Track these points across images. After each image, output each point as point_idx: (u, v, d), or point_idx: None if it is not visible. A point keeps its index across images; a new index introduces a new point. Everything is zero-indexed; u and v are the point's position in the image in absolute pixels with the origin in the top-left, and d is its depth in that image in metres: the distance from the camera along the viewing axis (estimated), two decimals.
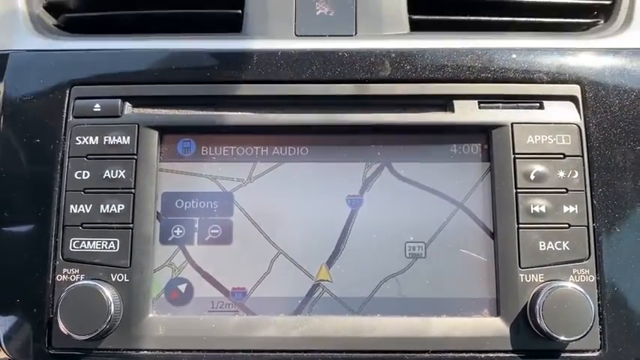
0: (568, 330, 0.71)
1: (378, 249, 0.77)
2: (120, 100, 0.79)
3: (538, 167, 0.77)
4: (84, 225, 0.76)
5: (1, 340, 0.76)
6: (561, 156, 0.77)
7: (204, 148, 0.80)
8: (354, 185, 0.79)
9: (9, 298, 0.76)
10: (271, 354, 0.74)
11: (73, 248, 0.76)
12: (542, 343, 0.73)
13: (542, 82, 0.79)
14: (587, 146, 0.77)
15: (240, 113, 0.80)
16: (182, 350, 0.74)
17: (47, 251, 0.76)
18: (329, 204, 0.78)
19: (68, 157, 0.78)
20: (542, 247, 0.75)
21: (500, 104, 0.79)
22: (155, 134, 0.78)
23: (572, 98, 0.79)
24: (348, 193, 0.78)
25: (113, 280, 0.75)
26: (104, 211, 0.76)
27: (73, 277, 0.75)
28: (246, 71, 0.79)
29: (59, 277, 0.75)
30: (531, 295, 0.74)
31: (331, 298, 0.76)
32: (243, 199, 0.78)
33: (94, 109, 0.79)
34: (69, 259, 0.76)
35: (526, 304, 0.74)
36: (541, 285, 0.74)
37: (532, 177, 0.76)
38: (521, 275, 0.74)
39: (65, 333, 0.72)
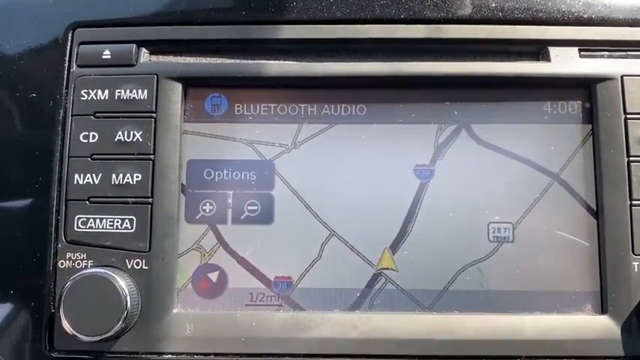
0: None
1: (454, 231, 0.63)
2: (134, 46, 0.65)
3: None
4: (92, 199, 0.62)
5: None
6: None
7: (238, 106, 0.65)
8: (424, 153, 0.64)
9: (1, 289, 0.62)
10: (326, 359, 0.59)
11: (78, 228, 0.62)
12: None
13: None
14: None
15: (281, 62, 0.65)
16: (214, 354, 0.60)
17: (46, 231, 0.62)
18: (393, 176, 0.64)
19: (71, 116, 0.64)
20: None
21: (606, 52, 0.65)
22: (178, 87, 0.64)
23: None
24: (417, 162, 0.64)
25: (129, 267, 0.61)
26: (117, 182, 0.62)
27: (78, 264, 0.62)
28: (289, 9, 0.64)
29: (62, 264, 0.62)
30: None
31: (397, 291, 0.62)
32: (286, 168, 0.64)
33: (103, 57, 0.65)
34: (73, 241, 0.62)
35: None
36: None
37: None
38: (635, 264, 0.60)
39: (70, 332, 0.57)
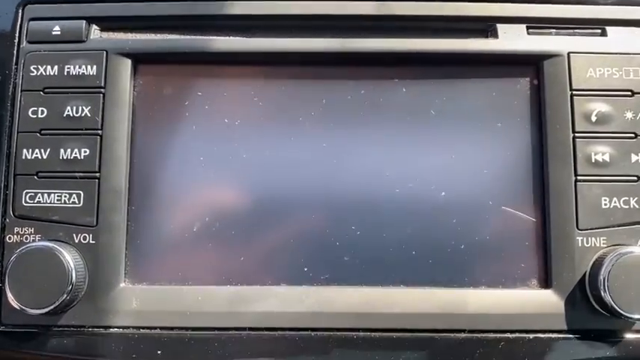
0: (638, 306, 0.57)
1: (400, 204, 0.63)
2: (85, 22, 0.65)
3: (601, 106, 0.62)
4: (40, 174, 0.62)
5: None
6: (629, 93, 0.63)
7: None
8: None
9: None
10: (270, 332, 0.60)
11: (26, 202, 0.62)
12: (604, 321, 0.59)
13: (606, 4, 0.65)
14: None
15: (229, 38, 0.65)
16: (160, 328, 0.60)
17: None
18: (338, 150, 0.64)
19: (21, 91, 0.63)
20: (606, 205, 0.61)
21: (554, 30, 0.65)
22: (128, 63, 0.64)
23: None
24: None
25: (76, 241, 0.61)
26: (65, 157, 0.62)
27: (26, 238, 0.62)
28: None
29: (9, 238, 0.62)
30: (591, 262, 0.60)
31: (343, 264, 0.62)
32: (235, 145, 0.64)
33: (53, 33, 0.65)
34: (22, 216, 0.62)
35: (585, 274, 0.60)
36: (604, 250, 0.60)
37: (593, 118, 0.62)
38: (579, 238, 0.61)
39: (15, 306, 0.58)
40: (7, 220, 0.62)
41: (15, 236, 0.62)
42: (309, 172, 0.63)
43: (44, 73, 0.64)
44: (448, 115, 0.64)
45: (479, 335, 0.60)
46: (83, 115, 0.63)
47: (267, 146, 0.64)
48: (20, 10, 0.65)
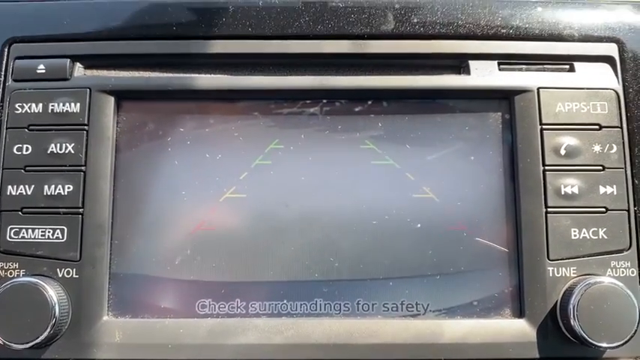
0: (607, 334, 0.59)
1: (376, 235, 0.65)
2: (69, 60, 0.66)
3: (569, 140, 0.64)
4: (24, 210, 0.63)
5: None
6: (597, 127, 0.65)
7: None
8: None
9: None
10: None
11: (11, 238, 0.63)
12: (575, 349, 0.61)
13: (573, 40, 0.67)
14: (627, 116, 0.65)
15: (211, 76, 0.67)
16: None
17: None
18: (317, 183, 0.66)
19: (6, 129, 0.65)
20: (575, 236, 0.63)
21: (524, 66, 0.67)
22: (111, 100, 0.66)
23: (608, 59, 0.67)
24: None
25: (60, 275, 0.62)
26: (49, 193, 0.63)
27: (10, 273, 0.63)
28: (219, 25, 0.66)
29: None
30: (562, 292, 0.62)
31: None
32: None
33: (38, 71, 0.66)
34: (6, 251, 0.63)
35: (556, 303, 0.62)
36: (574, 280, 0.62)
37: (562, 152, 0.64)
38: (550, 269, 0.63)
39: (0, 342, 0.59)
40: None
41: (0, 271, 0.63)
42: (289, 203, 0.65)
43: (29, 111, 0.65)
44: (423, 149, 0.66)
45: None
46: (67, 151, 0.64)
47: (248, 179, 0.65)
48: (6, 49, 0.67)
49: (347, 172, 0.66)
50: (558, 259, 0.63)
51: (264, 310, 0.63)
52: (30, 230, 0.63)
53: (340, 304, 0.64)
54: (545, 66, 0.67)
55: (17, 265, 0.63)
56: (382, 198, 0.65)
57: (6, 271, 0.63)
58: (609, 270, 0.63)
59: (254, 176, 0.65)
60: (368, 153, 0.66)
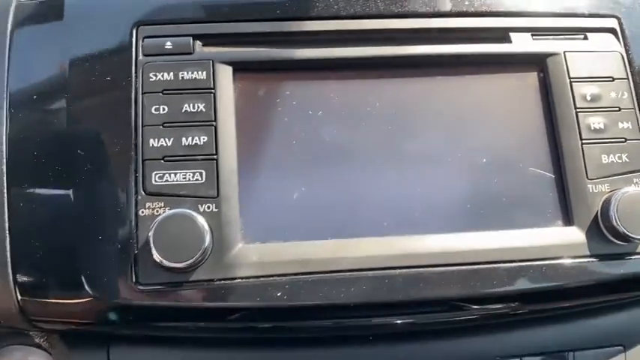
0: None
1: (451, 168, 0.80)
2: (191, 38, 0.80)
3: (592, 89, 0.83)
4: (165, 158, 0.75)
5: (84, 281, 0.72)
6: (611, 79, 0.84)
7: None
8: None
9: (91, 237, 0.73)
10: (368, 272, 0.74)
11: (155, 182, 0.74)
12: (617, 246, 0.78)
13: (584, 17, 0.87)
14: (631, 71, 0.85)
15: (310, 49, 0.82)
16: (277, 275, 0.73)
17: (128, 187, 0.74)
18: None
19: (142, 93, 0.77)
20: (605, 160, 0.81)
21: (551, 36, 0.86)
22: (229, 70, 0.79)
23: (611, 30, 0.87)
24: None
25: (201, 210, 0.74)
26: (187, 144, 0.75)
27: (157, 211, 0.74)
28: (317, 7, 0.82)
29: (142, 212, 0.73)
30: (601, 203, 0.79)
31: None
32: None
33: (166, 47, 0.79)
34: (151, 193, 0.74)
35: (597, 213, 0.78)
36: (609, 194, 0.79)
37: (588, 97, 0.82)
38: (590, 186, 0.79)
39: (159, 261, 0.70)
40: (139, 197, 0.74)
41: (147, 210, 0.73)
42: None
43: (162, 79, 0.78)
44: (478, 105, 0.83)
45: (522, 264, 0.77)
46: (199, 110, 0.77)
47: (345, 129, 0.80)
48: (134, 30, 0.80)
49: (424, 123, 0.82)
50: (595, 179, 0.80)
51: (369, 230, 0.77)
52: (172, 174, 0.75)
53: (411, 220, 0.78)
54: (566, 36, 0.86)
55: (162, 204, 0.74)
56: (453, 143, 0.81)
57: (152, 209, 0.74)
58: (633, 185, 0.80)
59: (355, 124, 0.80)
60: (434, 110, 0.82)
